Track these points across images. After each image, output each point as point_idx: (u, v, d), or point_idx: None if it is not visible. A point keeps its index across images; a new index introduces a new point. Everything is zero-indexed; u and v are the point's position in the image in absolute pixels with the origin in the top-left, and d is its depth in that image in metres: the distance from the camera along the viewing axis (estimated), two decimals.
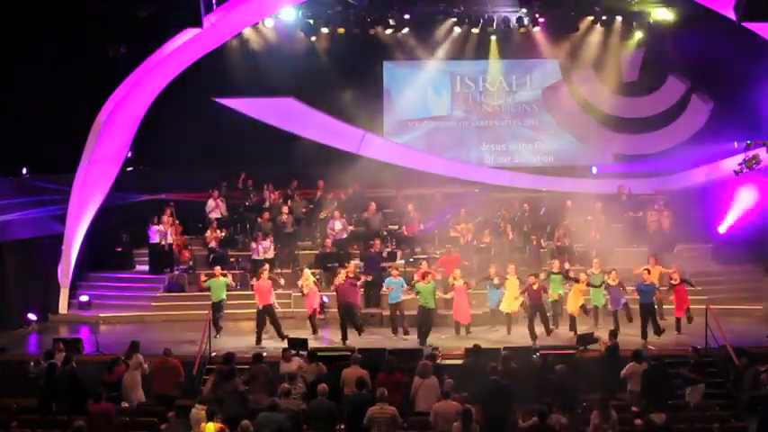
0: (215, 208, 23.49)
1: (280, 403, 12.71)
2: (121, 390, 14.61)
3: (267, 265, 19.53)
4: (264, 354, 15.91)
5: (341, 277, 18.73)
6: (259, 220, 22.82)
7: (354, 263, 20.29)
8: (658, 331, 18.23)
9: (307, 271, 19.43)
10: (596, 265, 19.49)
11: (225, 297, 19.03)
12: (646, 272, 18.67)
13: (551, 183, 25.12)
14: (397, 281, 18.97)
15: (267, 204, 23.62)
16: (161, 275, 22.05)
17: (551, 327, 18.79)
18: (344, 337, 18.37)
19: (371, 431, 12.16)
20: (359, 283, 19.14)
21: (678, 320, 18.69)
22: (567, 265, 19.96)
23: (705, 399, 14.95)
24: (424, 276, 18.54)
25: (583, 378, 14.80)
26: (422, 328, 18.39)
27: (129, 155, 23.02)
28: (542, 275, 19.04)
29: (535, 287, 18.49)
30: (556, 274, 19.20)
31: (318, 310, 19.32)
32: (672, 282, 18.85)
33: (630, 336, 17.87)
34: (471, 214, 22.74)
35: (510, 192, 24.67)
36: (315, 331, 18.78)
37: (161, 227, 21.93)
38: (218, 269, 19.35)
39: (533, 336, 18.25)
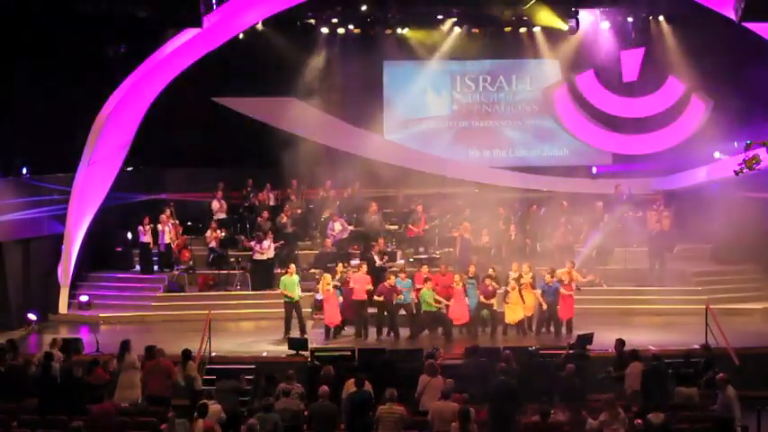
0: (220, 209, 23.52)
1: (276, 403, 12.66)
2: (117, 389, 14.53)
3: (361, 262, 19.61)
4: (264, 353, 15.87)
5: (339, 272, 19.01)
6: (259, 219, 22.82)
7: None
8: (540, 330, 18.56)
9: (327, 276, 18.92)
10: (515, 268, 19.12)
11: (298, 297, 18.57)
12: (548, 275, 18.62)
13: (551, 183, 25.14)
14: (405, 282, 18.83)
15: (268, 204, 23.62)
16: (161, 275, 22.03)
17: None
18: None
19: (378, 430, 12.16)
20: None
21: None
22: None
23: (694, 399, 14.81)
24: (425, 281, 18.65)
25: (588, 378, 14.78)
26: (422, 327, 18.67)
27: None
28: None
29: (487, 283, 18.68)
30: (471, 278, 18.94)
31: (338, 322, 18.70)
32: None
33: None
34: (475, 215, 22.72)
35: (510, 192, 24.68)
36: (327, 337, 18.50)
37: (149, 226, 21.94)
38: (292, 266, 19.06)
39: (475, 332, 18.62)
